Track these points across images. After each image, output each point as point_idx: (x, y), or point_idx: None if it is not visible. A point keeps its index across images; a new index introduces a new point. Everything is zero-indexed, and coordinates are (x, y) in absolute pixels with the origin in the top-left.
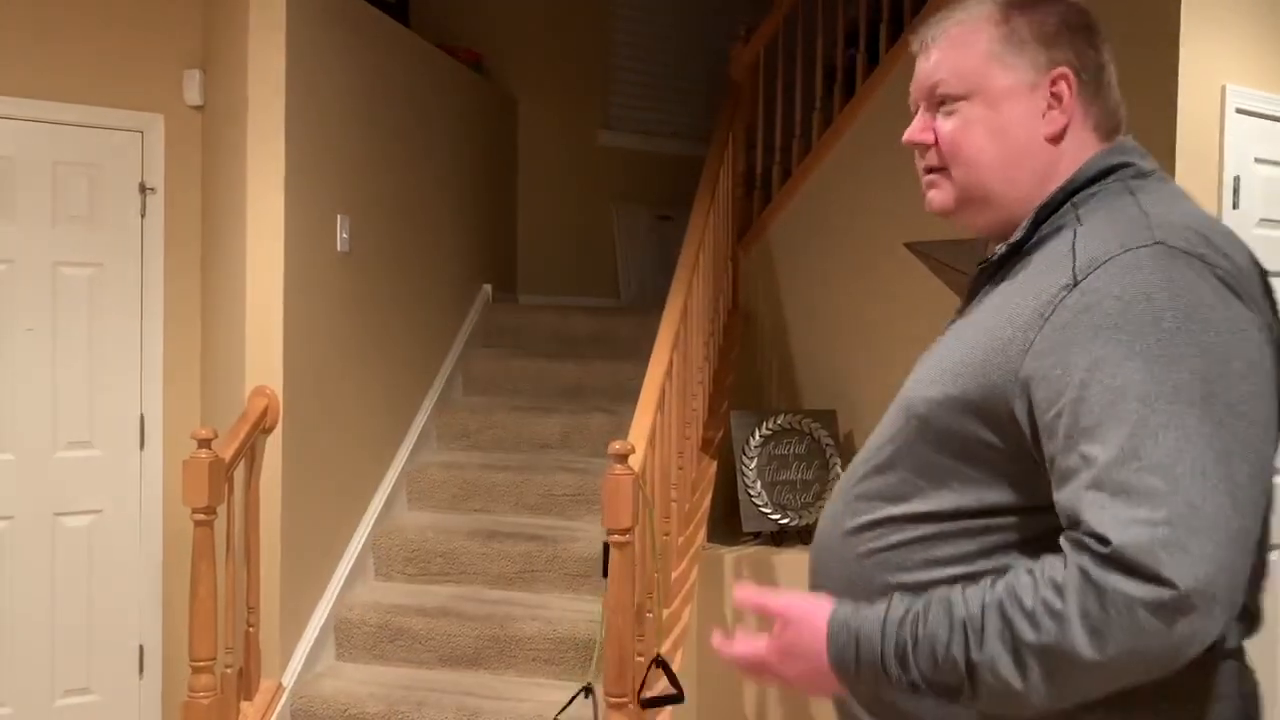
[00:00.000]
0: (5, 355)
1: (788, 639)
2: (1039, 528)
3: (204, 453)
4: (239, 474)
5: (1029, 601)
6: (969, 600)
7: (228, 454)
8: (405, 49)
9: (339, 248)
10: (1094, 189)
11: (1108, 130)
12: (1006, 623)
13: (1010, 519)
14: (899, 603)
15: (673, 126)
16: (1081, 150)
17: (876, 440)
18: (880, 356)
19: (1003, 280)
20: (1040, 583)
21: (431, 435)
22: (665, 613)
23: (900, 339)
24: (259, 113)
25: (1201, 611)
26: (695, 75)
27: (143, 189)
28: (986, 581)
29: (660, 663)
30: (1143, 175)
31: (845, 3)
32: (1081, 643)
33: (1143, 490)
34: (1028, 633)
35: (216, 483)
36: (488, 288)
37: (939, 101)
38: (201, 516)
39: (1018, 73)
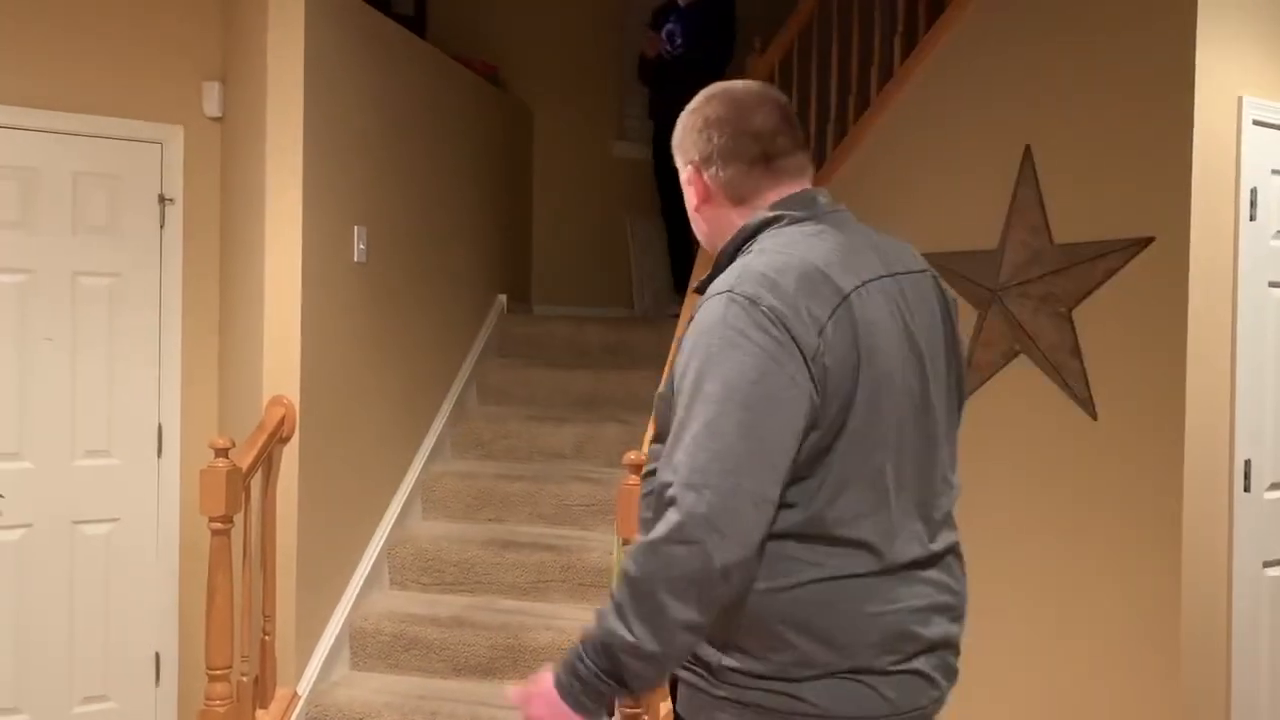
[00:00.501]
0: (25, 364)
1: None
2: None
3: (221, 462)
4: (256, 483)
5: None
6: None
7: (245, 463)
8: (422, 61)
9: (356, 258)
10: (750, 245)
11: (740, 199)
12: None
13: None
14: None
15: None
16: (725, 217)
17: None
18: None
19: None
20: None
21: (446, 445)
22: None
23: None
24: (277, 124)
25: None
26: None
27: (162, 200)
28: None
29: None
30: (782, 224)
31: (860, 17)
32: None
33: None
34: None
35: (234, 492)
36: (503, 298)
37: None
38: (218, 525)
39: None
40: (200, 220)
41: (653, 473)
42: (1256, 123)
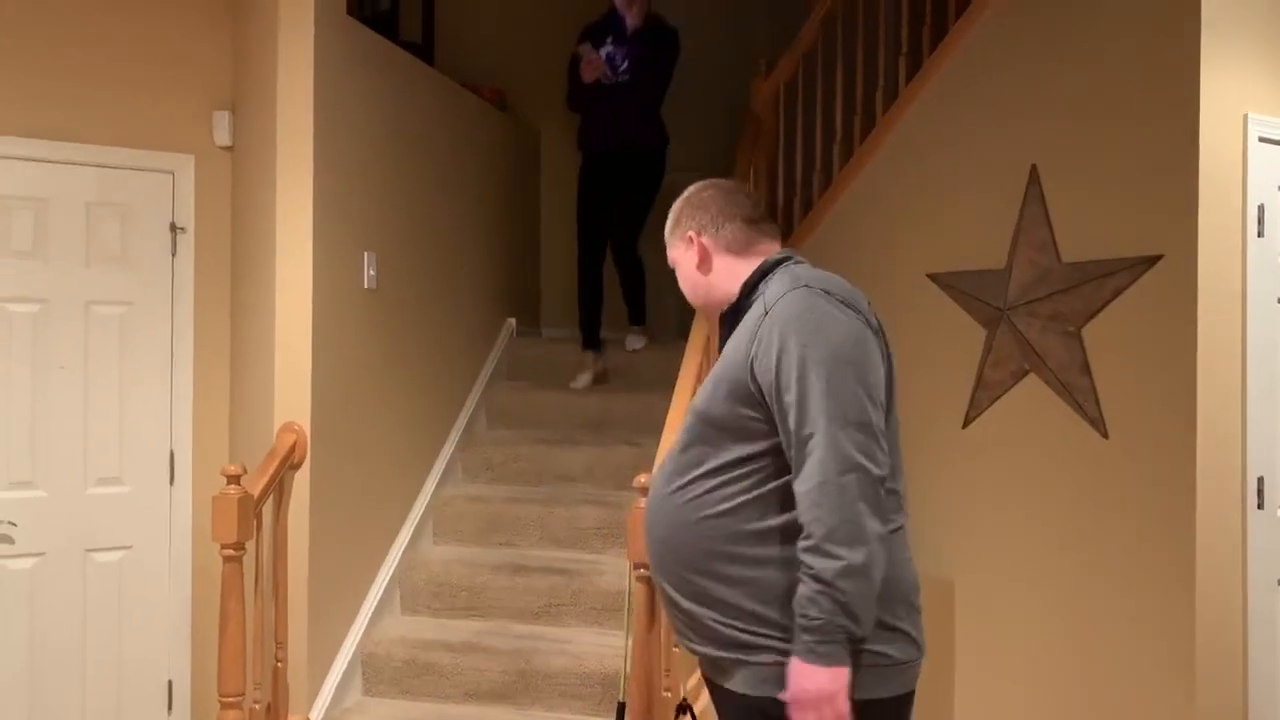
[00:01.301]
0: (39, 393)
1: (804, 699)
2: (780, 465)
3: (233, 489)
4: (267, 509)
5: None
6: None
7: (256, 490)
8: (430, 87)
9: (366, 284)
10: (773, 275)
11: (742, 250)
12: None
13: (764, 461)
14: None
15: (694, 161)
16: (732, 266)
17: (677, 442)
18: (901, 385)
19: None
20: None
21: (457, 468)
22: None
23: (923, 369)
24: (288, 152)
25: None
26: (715, 108)
27: (173, 228)
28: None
29: (685, 709)
30: (793, 260)
31: (865, 37)
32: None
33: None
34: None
35: (245, 518)
36: (511, 321)
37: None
38: (230, 552)
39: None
40: (211, 248)
41: (688, 483)
42: (1262, 140)
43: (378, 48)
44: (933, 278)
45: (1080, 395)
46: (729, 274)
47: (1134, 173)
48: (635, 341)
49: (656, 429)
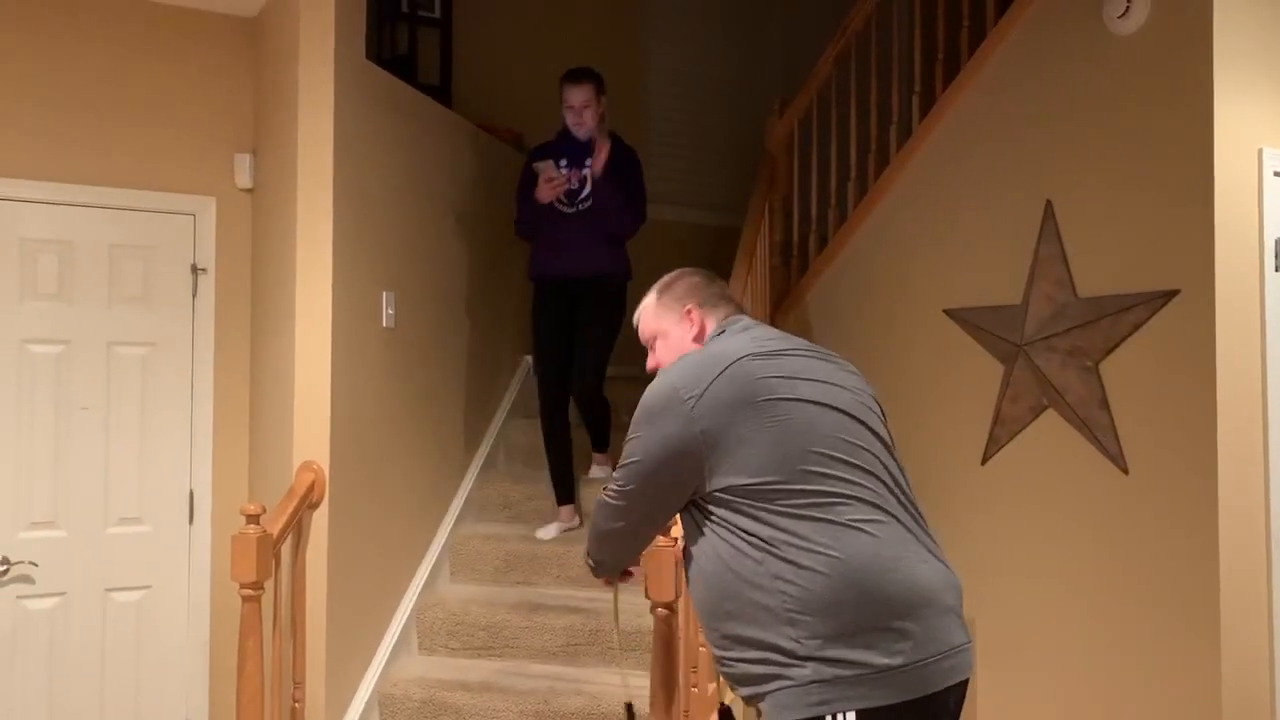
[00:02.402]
0: (61, 433)
1: None
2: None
3: (252, 528)
4: (286, 549)
5: None
6: None
7: (275, 529)
8: (448, 129)
9: (384, 323)
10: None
11: (719, 319)
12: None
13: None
14: None
15: (709, 198)
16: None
17: None
18: (919, 422)
19: None
20: None
21: (475, 506)
22: (711, 688)
23: (941, 405)
24: (308, 194)
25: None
26: (730, 148)
27: (194, 270)
28: None
29: (726, 713)
30: (724, 330)
31: (878, 76)
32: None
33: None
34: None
35: (264, 558)
36: (528, 359)
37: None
38: (249, 591)
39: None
40: (232, 289)
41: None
42: (1277, 174)
43: (396, 90)
44: (949, 313)
45: (1099, 431)
46: (690, 344)
47: (1150, 207)
48: (598, 471)
49: None
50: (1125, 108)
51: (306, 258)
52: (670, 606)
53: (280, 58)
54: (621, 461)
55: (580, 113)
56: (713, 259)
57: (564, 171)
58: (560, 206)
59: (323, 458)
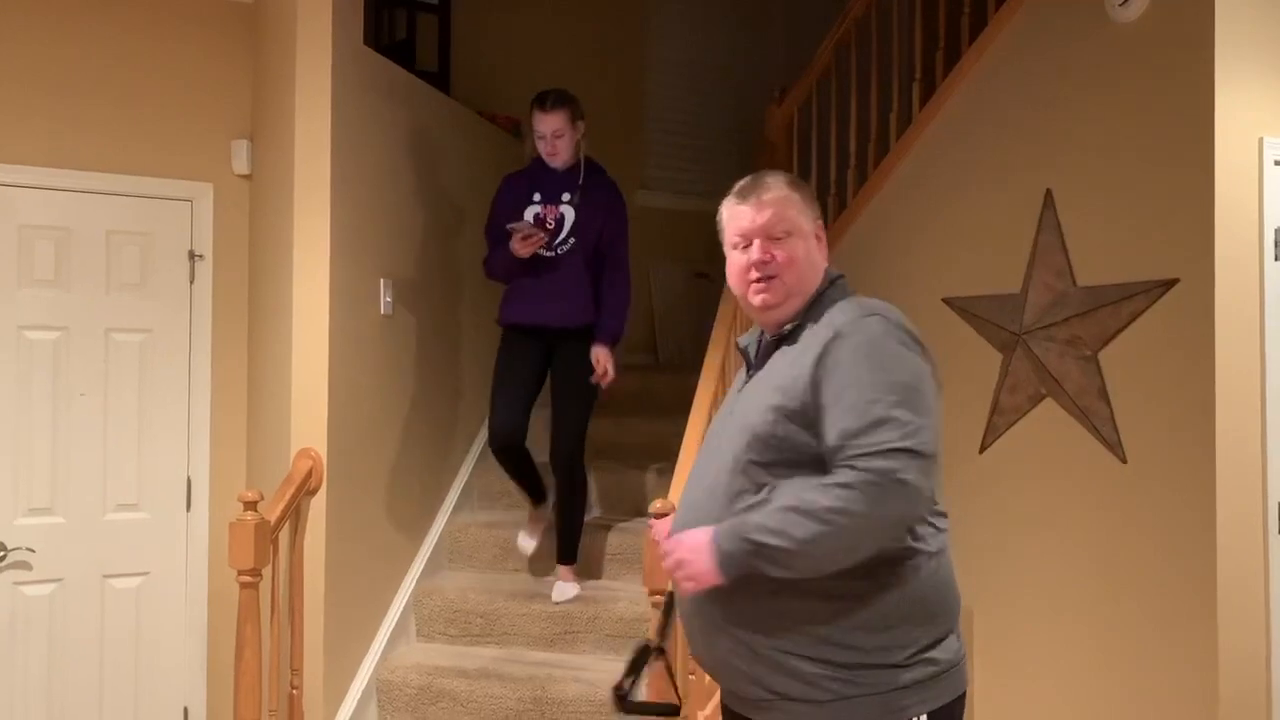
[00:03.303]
0: (59, 420)
1: (689, 565)
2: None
3: (250, 515)
4: (284, 536)
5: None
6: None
7: (273, 516)
8: (446, 116)
9: (382, 310)
10: (831, 293)
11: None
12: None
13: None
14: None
15: (709, 185)
16: (821, 270)
17: (725, 464)
18: None
19: (786, 347)
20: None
21: (473, 494)
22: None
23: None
24: (305, 181)
25: (922, 472)
26: (729, 135)
27: (192, 256)
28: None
29: (660, 651)
30: (841, 281)
31: (879, 64)
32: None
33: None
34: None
35: (262, 545)
36: None
37: (774, 237)
38: (247, 578)
39: (809, 220)
40: (229, 275)
41: (749, 510)
42: (1278, 163)
43: (394, 77)
44: (948, 302)
45: (1098, 420)
46: (817, 266)
47: (1149, 196)
48: (565, 590)
49: (671, 455)
50: (1126, 96)
51: (304, 244)
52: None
53: (278, 43)
54: (879, 398)
55: (553, 142)
56: (711, 248)
57: (539, 213)
58: (538, 250)
59: (320, 445)
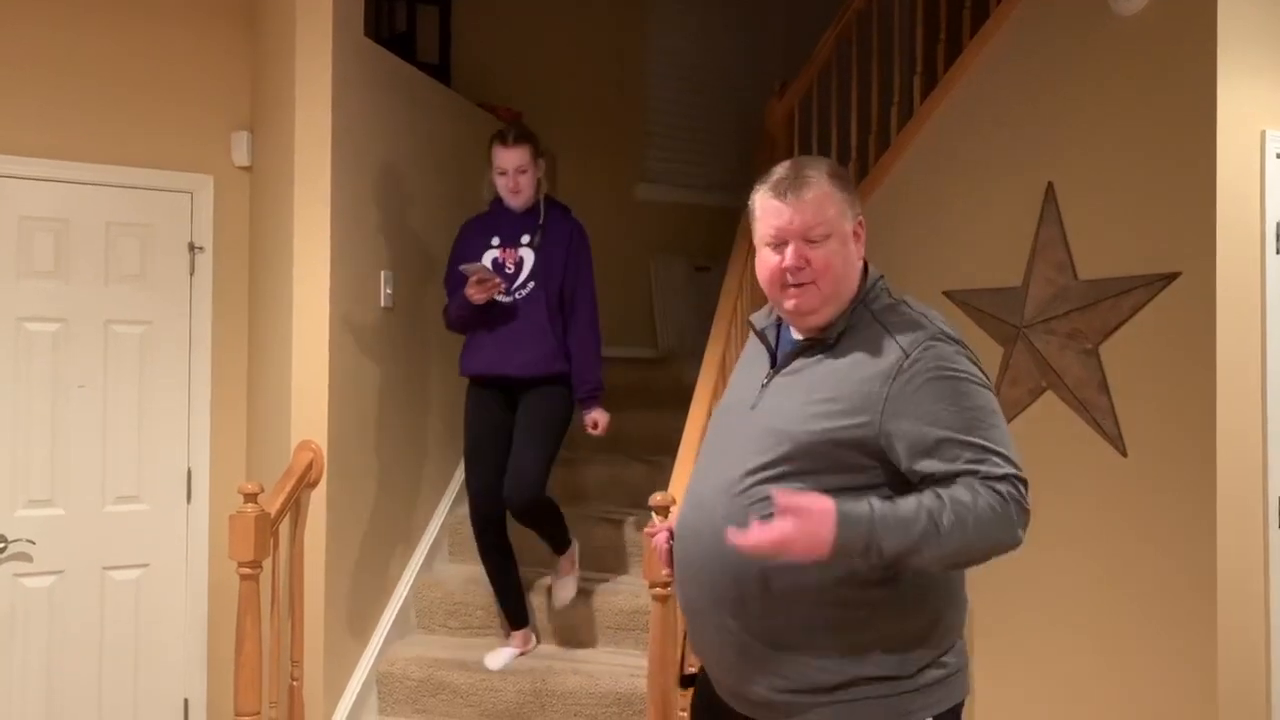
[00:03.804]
0: (59, 412)
1: (807, 523)
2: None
3: (250, 507)
4: (284, 528)
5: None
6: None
7: (273, 508)
8: (447, 108)
9: (383, 303)
10: (873, 297)
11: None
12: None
13: (868, 492)
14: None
15: (710, 179)
16: (859, 270)
17: (746, 457)
18: None
19: (825, 355)
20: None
21: None
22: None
23: None
24: (305, 173)
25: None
26: (730, 128)
27: (192, 248)
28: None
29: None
30: (883, 283)
31: (880, 56)
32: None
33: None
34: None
35: (262, 537)
36: None
37: (810, 239)
38: (247, 570)
39: (851, 221)
40: (229, 268)
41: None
42: None
43: (395, 69)
44: (949, 295)
45: (1098, 413)
46: (853, 269)
47: (1151, 190)
48: (565, 589)
49: (672, 447)
50: (1128, 89)
51: (304, 236)
52: (669, 587)
53: (278, 35)
54: (977, 429)
55: (515, 178)
56: (711, 241)
57: (497, 257)
58: (496, 296)
59: (320, 437)
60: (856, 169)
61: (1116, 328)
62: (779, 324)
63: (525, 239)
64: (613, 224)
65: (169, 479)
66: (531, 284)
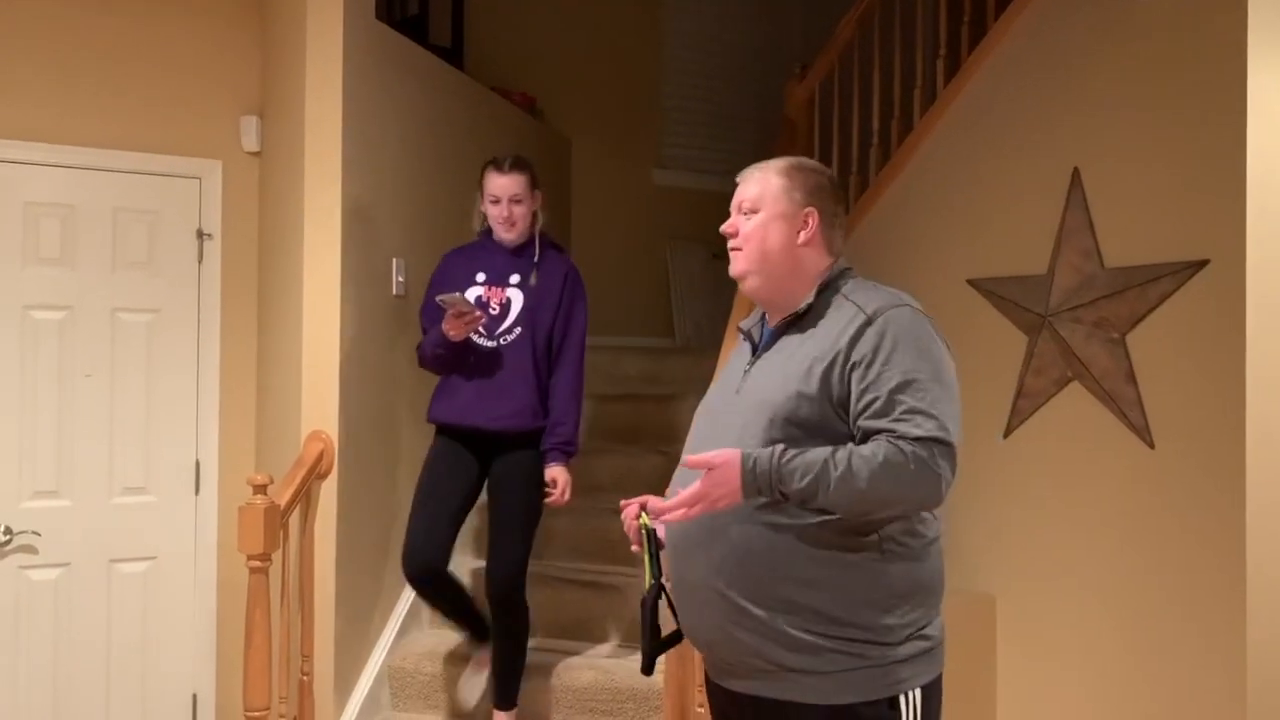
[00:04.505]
0: (65, 401)
1: (717, 474)
2: None
3: (259, 499)
4: (294, 520)
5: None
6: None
7: (283, 500)
8: (460, 92)
9: (395, 291)
10: (842, 281)
11: (834, 252)
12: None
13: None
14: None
15: (727, 164)
16: (820, 260)
17: (738, 430)
18: None
19: (797, 332)
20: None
21: None
22: None
23: (963, 377)
24: (316, 158)
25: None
26: (748, 113)
27: (200, 235)
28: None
29: (662, 587)
30: (852, 272)
31: (902, 39)
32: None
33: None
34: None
35: (272, 529)
36: None
37: (743, 211)
38: (257, 563)
39: (786, 205)
40: (238, 255)
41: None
42: None
43: (406, 52)
44: (972, 283)
45: (1125, 404)
46: (812, 266)
47: (1179, 175)
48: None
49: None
50: (1156, 72)
51: (314, 223)
52: None
53: (288, 17)
54: (911, 389)
55: (510, 208)
56: None
57: (482, 296)
58: (476, 339)
59: (331, 427)
60: (878, 154)
61: (1144, 316)
62: (762, 323)
63: (515, 278)
64: (628, 210)
65: (177, 470)
66: (518, 329)
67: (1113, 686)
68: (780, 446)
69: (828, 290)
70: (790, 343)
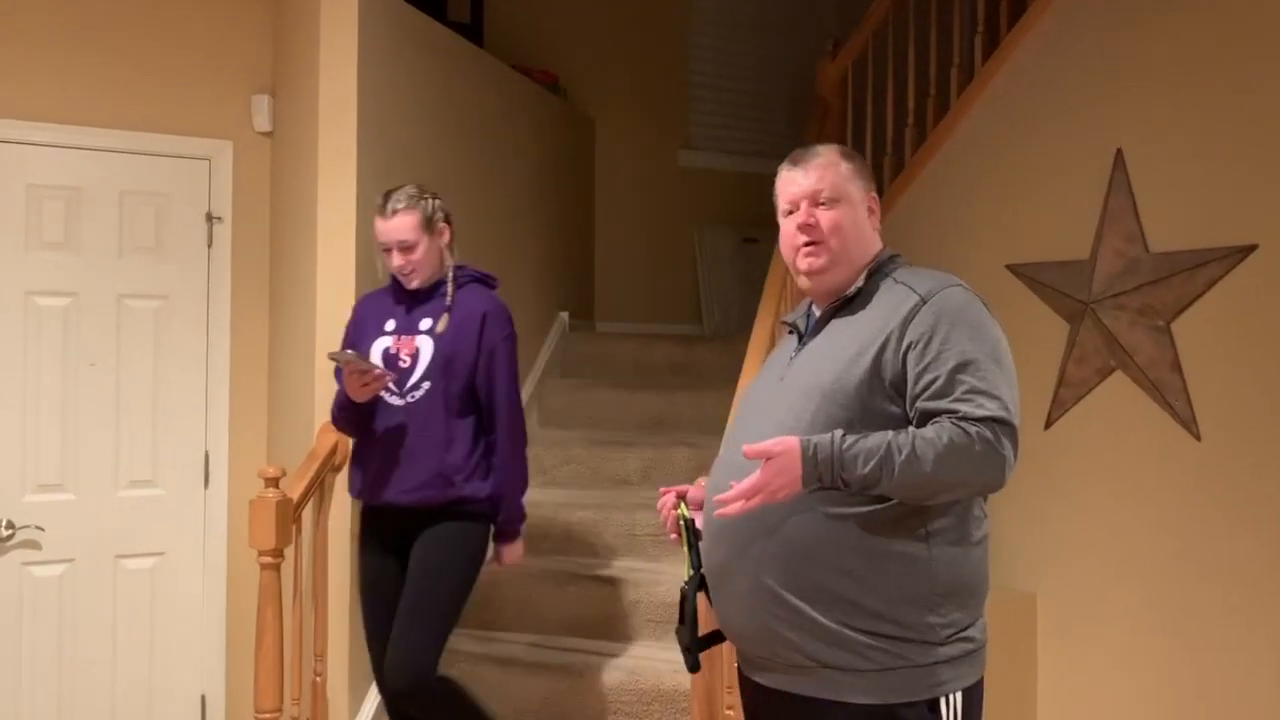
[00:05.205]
0: (69, 391)
1: (777, 463)
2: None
3: (271, 492)
4: (307, 514)
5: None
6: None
7: (296, 493)
8: (479, 70)
9: None
10: (891, 266)
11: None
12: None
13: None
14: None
15: (757, 145)
16: (876, 244)
17: (783, 417)
18: None
19: (846, 315)
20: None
21: None
22: None
23: None
24: (330, 138)
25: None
26: (778, 91)
27: (210, 218)
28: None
29: (703, 579)
30: (899, 258)
31: (939, 14)
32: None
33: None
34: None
35: (284, 523)
36: (564, 315)
37: (819, 202)
38: (268, 559)
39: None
40: (249, 239)
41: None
42: None
43: (424, 28)
44: (1012, 269)
45: (1170, 394)
46: (867, 241)
47: (1226, 157)
48: None
49: (718, 429)
50: (1201, 51)
51: (328, 206)
52: None
53: None
54: (972, 369)
55: (401, 256)
56: (760, 211)
57: (391, 348)
58: (387, 396)
59: None
60: (914, 135)
61: (1190, 303)
62: (808, 315)
63: (425, 324)
64: (654, 193)
65: (185, 462)
66: (426, 384)
67: (1158, 686)
68: (839, 432)
69: (877, 274)
70: (838, 326)
